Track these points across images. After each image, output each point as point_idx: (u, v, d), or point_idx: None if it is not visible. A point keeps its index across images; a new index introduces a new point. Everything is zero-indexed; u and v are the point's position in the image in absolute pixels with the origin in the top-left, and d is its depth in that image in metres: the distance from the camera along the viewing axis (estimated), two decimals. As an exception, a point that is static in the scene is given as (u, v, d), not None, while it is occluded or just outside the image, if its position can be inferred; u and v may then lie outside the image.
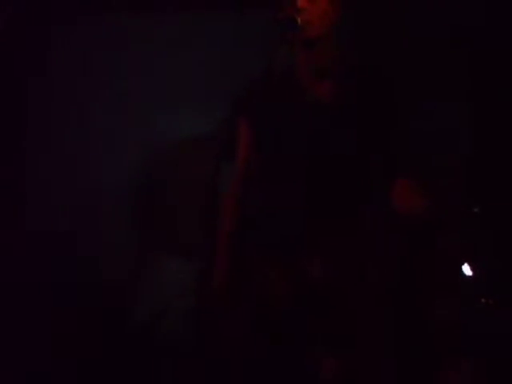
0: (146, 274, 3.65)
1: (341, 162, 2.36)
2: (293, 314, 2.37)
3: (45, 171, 3.73)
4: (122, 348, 3.52)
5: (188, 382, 3.19)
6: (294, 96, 2.39)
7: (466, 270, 2.81)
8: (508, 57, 3.18)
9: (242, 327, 2.43)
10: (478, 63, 3.24)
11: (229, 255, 2.50)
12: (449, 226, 2.62)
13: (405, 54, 3.25)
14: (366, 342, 2.35)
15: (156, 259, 3.65)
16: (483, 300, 2.79)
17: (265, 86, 2.44)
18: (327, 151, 2.36)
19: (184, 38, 3.61)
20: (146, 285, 3.64)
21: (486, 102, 3.22)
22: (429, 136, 3.19)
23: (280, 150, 2.39)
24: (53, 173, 3.71)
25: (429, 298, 2.57)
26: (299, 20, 2.29)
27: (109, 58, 3.66)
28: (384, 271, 2.39)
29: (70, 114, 3.70)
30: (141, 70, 3.66)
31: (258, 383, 2.40)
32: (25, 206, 3.72)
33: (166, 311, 3.55)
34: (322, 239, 2.38)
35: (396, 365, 2.40)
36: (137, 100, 3.66)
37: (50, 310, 3.56)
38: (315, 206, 2.38)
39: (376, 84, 2.40)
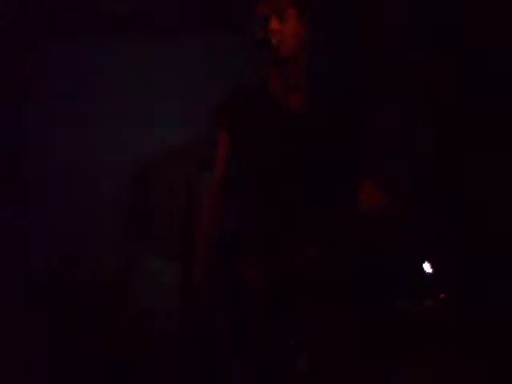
0: (131, 275, 3.71)
1: (313, 164, 2.52)
2: (269, 306, 2.49)
3: (36, 175, 3.85)
4: (110, 347, 3.60)
5: (176, 378, 3.28)
6: (268, 107, 2.57)
7: (427, 267, 2.97)
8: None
9: (224, 322, 2.55)
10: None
11: (208, 259, 2.62)
12: (409, 224, 2.79)
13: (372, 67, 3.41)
14: (333, 338, 2.47)
15: (141, 260, 3.72)
16: (442, 296, 2.89)
17: (242, 98, 2.61)
18: (298, 157, 2.51)
19: (163, 56, 3.76)
20: (132, 285, 3.70)
21: (447, 103, 3.32)
22: (392, 136, 3.32)
23: (256, 156, 2.56)
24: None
25: (389, 292, 2.71)
26: (273, 40, 2.49)
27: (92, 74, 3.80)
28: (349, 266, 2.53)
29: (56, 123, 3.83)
30: (126, 83, 3.78)
31: (238, 375, 2.51)
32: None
33: (153, 311, 3.63)
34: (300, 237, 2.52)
35: (362, 359, 2.50)
36: (118, 113, 3.79)
37: (33, 309, 3.64)
38: (291, 208, 2.52)
39: (345, 98, 2.59)
